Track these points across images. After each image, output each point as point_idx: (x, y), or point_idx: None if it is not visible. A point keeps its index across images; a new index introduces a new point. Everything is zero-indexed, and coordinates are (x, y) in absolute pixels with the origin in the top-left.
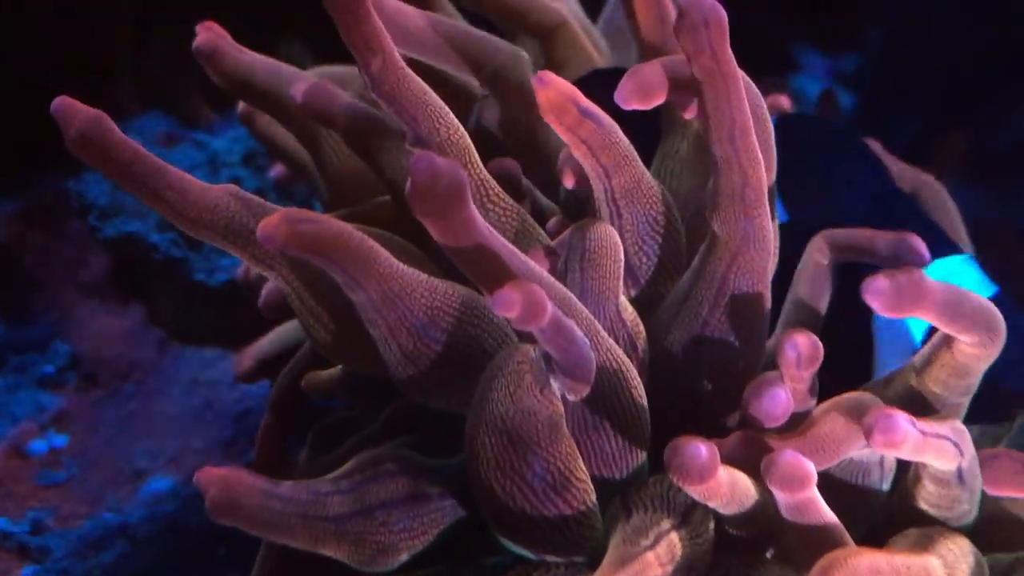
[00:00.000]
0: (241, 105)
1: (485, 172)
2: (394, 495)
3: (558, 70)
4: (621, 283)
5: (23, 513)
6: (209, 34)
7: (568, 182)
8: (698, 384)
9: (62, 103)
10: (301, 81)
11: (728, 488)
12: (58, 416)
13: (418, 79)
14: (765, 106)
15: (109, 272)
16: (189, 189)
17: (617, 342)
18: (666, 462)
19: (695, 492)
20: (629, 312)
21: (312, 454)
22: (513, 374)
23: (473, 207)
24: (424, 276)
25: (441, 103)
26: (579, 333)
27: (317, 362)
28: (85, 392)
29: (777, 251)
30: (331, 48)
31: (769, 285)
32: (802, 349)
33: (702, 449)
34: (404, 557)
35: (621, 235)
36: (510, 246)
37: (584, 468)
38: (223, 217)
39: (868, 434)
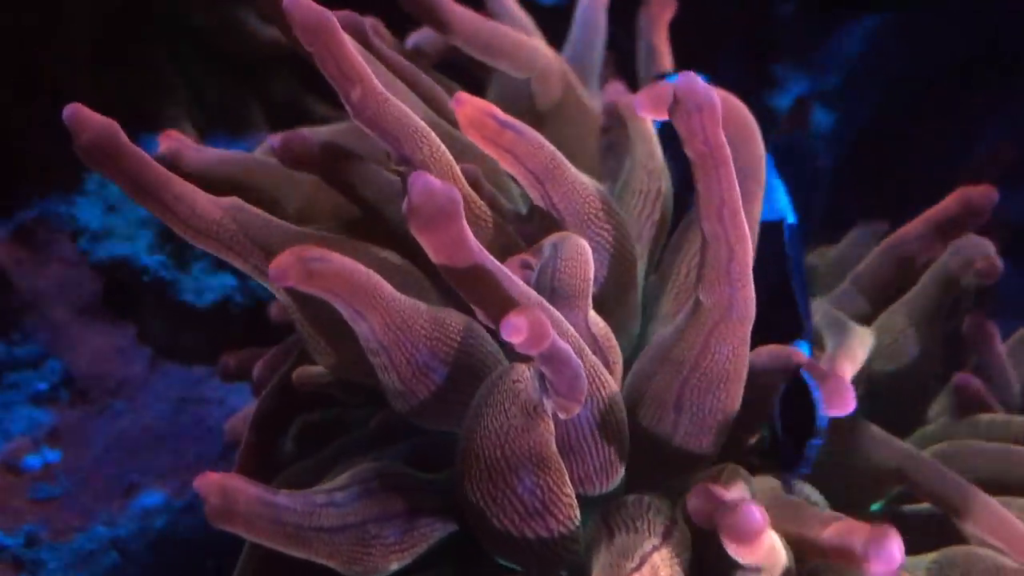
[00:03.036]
0: None
1: (468, 187)
2: (388, 510)
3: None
4: (589, 300)
5: (18, 526)
6: (169, 141)
7: None
8: (674, 434)
9: (74, 111)
10: (273, 137)
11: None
12: (52, 432)
13: (398, 103)
14: (760, 137)
15: (100, 293)
16: (196, 201)
17: None
18: (719, 521)
19: (740, 553)
20: (600, 327)
21: (298, 450)
22: (508, 392)
23: (466, 225)
24: (424, 307)
25: (422, 124)
26: (574, 356)
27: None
28: (78, 408)
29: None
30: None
31: (748, 350)
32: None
33: (756, 513)
34: (394, 567)
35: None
36: (500, 265)
37: (570, 484)
38: (228, 230)
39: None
